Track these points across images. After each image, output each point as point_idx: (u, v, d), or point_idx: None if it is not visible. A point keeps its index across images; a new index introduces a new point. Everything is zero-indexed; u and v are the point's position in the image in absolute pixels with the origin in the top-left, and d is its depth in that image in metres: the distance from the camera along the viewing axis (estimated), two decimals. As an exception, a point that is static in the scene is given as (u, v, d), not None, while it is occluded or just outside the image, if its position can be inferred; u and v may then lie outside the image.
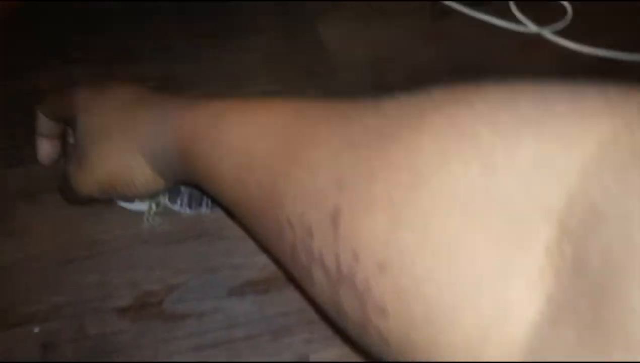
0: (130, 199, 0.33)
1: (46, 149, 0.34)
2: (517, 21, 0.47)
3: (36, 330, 0.30)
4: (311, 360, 0.30)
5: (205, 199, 0.34)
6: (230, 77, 0.41)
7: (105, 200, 0.33)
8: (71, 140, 0.34)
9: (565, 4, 0.48)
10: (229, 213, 0.30)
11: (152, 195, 0.32)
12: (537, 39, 0.47)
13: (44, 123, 0.33)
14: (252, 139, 0.23)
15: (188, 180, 0.28)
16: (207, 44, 0.43)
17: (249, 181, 0.22)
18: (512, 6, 0.48)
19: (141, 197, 0.32)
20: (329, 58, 0.43)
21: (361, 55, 0.44)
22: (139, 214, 0.34)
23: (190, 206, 0.34)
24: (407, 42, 0.45)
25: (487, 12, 0.47)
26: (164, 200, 0.34)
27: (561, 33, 0.47)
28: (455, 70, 0.44)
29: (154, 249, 0.33)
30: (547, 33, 0.46)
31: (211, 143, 0.24)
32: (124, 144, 0.28)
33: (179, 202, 0.34)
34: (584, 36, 0.46)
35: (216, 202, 0.30)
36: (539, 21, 0.47)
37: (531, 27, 0.47)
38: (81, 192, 0.30)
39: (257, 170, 0.22)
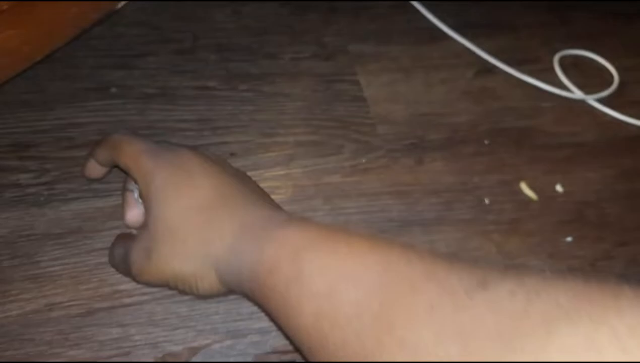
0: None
1: (93, 169, 0.34)
2: (561, 85, 0.46)
3: (52, 385, 0.29)
4: None
5: None
6: (266, 123, 0.40)
7: None
8: (131, 187, 0.32)
9: (613, 71, 0.47)
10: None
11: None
12: (581, 105, 0.45)
13: (103, 155, 0.32)
14: (337, 287, 0.21)
15: (258, 305, 0.27)
16: (245, 86, 0.42)
17: (332, 335, 0.20)
18: (558, 70, 0.47)
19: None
20: (367, 110, 0.42)
21: (400, 109, 0.43)
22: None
23: None
24: (447, 98, 0.44)
25: (531, 72, 0.46)
26: None
27: (605, 101, 0.45)
28: (495, 132, 0.42)
29: (179, 306, 0.31)
30: (592, 100, 0.45)
31: (291, 280, 0.23)
32: (198, 255, 0.27)
33: None
34: (629, 105, 0.45)
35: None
36: (584, 86, 0.46)
37: (576, 93, 0.45)
38: (139, 279, 0.29)
39: (342, 326, 0.20)
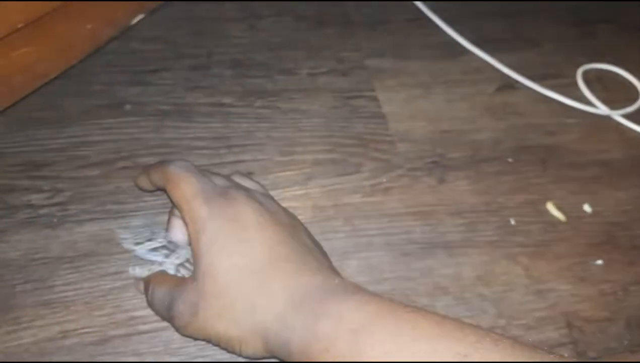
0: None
1: (145, 185, 0.32)
2: (586, 101, 0.45)
3: (65, 418, 0.27)
4: None
5: None
6: (283, 141, 0.39)
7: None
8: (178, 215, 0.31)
9: (639, 86, 0.46)
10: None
11: None
12: (606, 121, 0.44)
13: (157, 180, 0.30)
14: None
15: None
16: (261, 103, 0.41)
17: None
18: (582, 85, 0.45)
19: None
20: (387, 127, 0.41)
21: (421, 126, 0.42)
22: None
23: None
24: (469, 114, 0.43)
25: (554, 87, 0.45)
26: None
27: (632, 117, 0.44)
28: (519, 150, 0.41)
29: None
30: (618, 116, 0.44)
31: (350, 361, 0.21)
32: (246, 320, 0.25)
33: None
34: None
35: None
36: (609, 101, 0.45)
37: (601, 109, 0.44)
38: (182, 332, 0.28)
39: None
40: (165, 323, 0.31)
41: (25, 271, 0.32)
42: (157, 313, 0.29)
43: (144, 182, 0.32)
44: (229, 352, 0.27)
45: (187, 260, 0.30)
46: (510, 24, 0.49)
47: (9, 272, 0.31)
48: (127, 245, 0.32)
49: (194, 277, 0.27)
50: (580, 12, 0.51)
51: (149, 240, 0.31)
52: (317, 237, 0.32)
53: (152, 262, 0.31)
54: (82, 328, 0.30)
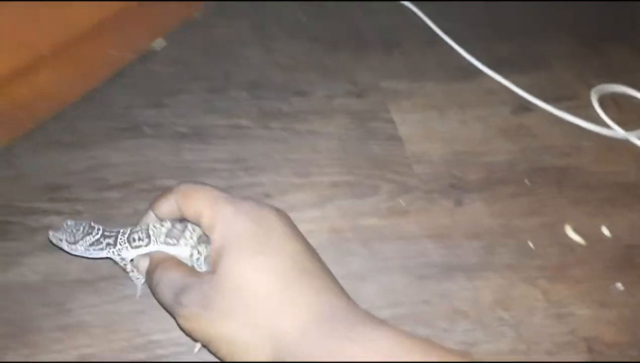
0: None
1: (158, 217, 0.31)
2: (601, 122, 0.45)
3: None
4: None
5: None
6: (299, 163, 0.40)
7: None
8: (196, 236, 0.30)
9: (654, 108, 0.46)
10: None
11: None
12: (622, 143, 0.44)
13: (166, 207, 0.29)
14: None
15: None
16: (278, 125, 0.42)
17: None
18: (597, 107, 0.45)
19: None
20: (403, 149, 0.41)
21: (437, 148, 0.42)
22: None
23: None
24: (484, 136, 0.43)
25: (568, 109, 0.45)
26: None
27: (648, 138, 0.44)
28: (535, 172, 0.41)
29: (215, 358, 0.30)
30: (634, 138, 0.44)
31: None
32: (261, 325, 0.24)
33: None
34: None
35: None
36: (623, 123, 0.45)
37: (618, 131, 0.44)
38: (184, 324, 0.26)
39: None
40: (183, 348, 0.30)
41: (43, 294, 0.32)
42: (159, 298, 0.28)
43: (151, 218, 0.31)
44: (219, 357, 0.26)
45: (196, 248, 0.30)
46: (519, 44, 0.50)
47: (27, 295, 0.32)
48: (65, 246, 0.31)
49: (212, 270, 0.26)
50: (588, 31, 0.52)
51: (88, 234, 0.30)
52: (334, 260, 0.31)
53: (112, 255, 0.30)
54: (101, 352, 0.30)
